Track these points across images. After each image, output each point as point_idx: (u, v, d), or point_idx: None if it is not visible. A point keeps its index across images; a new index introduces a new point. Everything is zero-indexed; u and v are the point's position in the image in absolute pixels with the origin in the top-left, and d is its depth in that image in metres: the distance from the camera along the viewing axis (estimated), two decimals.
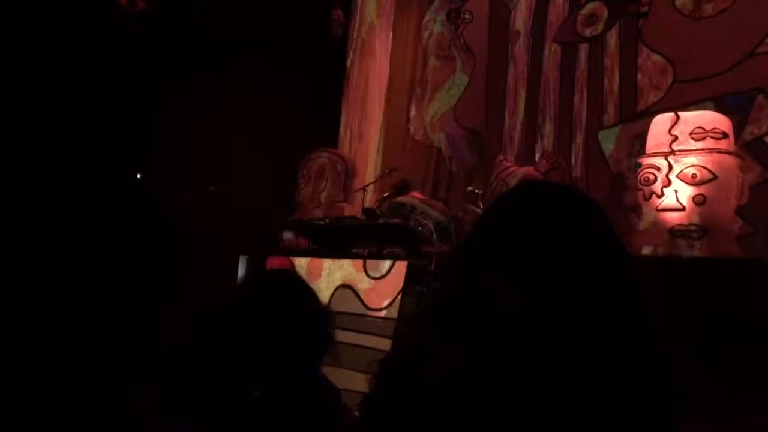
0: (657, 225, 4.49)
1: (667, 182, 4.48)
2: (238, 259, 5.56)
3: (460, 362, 0.87)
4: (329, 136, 8.07)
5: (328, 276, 4.80)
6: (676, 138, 4.54)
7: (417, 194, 5.75)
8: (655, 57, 5.89)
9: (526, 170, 6.07)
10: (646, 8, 6.02)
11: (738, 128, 4.90)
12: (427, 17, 7.88)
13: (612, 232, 0.98)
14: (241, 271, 5.46)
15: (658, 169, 4.55)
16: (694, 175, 4.38)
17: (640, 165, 4.77)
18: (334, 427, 1.50)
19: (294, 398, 1.51)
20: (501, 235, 0.98)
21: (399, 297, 4.32)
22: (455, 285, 0.99)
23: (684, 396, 0.90)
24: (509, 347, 0.86)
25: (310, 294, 1.67)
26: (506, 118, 6.89)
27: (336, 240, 5.23)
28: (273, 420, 1.46)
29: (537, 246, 0.93)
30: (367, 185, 6.69)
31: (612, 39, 6.26)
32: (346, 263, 4.78)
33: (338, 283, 4.72)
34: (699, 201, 4.35)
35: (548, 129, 6.54)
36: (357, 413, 1.04)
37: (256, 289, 1.67)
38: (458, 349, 0.88)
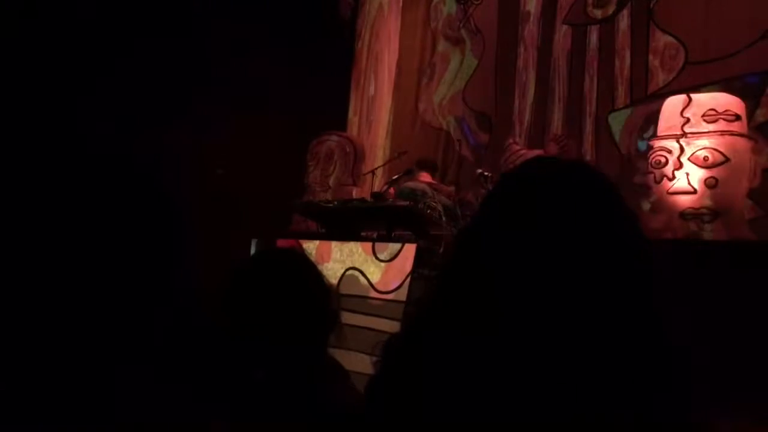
0: (668, 208, 4.46)
1: (678, 165, 4.45)
2: (249, 242, 5.57)
3: (460, 347, 0.86)
4: (338, 119, 8.05)
5: (337, 259, 4.80)
6: (687, 120, 4.50)
7: (426, 177, 5.74)
8: (667, 38, 5.82)
9: (536, 153, 6.04)
10: None
11: (750, 110, 4.85)
12: (435, 0, 7.82)
13: (625, 207, 0.96)
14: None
15: (670, 151, 4.51)
16: (705, 158, 4.35)
17: (651, 147, 4.74)
18: (341, 408, 1.49)
19: (299, 379, 1.50)
20: (508, 219, 0.95)
21: (408, 279, 4.32)
22: (458, 267, 0.98)
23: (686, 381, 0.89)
24: (509, 333, 0.85)
25: (314, 272, 1.66)
26: (516, 100, 6.85)
27: (345, 223, 5.23)
28: (277, 402, 1.45)
29: (546, 225, 0.90)
30: (376, 168, 6.68)
31: (623, 20, 6.19)
32: (355, 246, 4.78)
33: (347, 265, 4.72)
34: (711, 184, 4.32)
35: (558, 111, 6.50)
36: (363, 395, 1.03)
37: (259, 268, 1.66)
38: (459, 334, 0.87)
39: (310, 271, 1.65)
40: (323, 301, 1.63)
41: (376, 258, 4.58)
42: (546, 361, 0.82)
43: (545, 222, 0.90)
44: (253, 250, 5.51)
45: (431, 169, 5.83)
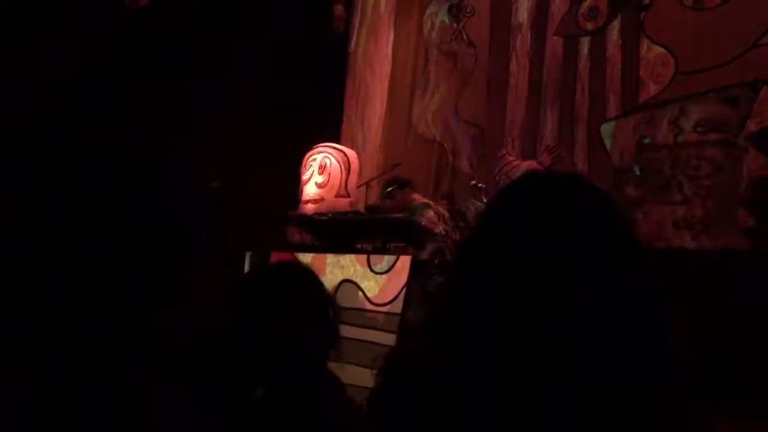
0: (661, 218, 4.48)
1: (670, 174, 4.47)
2: (243, 255, 5.56)
3: (460, 364, 0.86)
4: (331, 131, 8.05)
5: (332, 271, 4.80)
6: (679, 130, 4.53)
7: (418, 196, 5.74)
8: (657, 49, 5.86)
9: (529, 164, 6.06)
10: (647, 0, 6.00)
11: (742, 120, 4.88)
12: (428, 11, 7.86)
13: (623, 218, 0.96)
14: (246, 268, 5.44)
15: (662, 161, 4.54)
16: (697, 167, 4.38)
17: (642, 158, 4.77)
18: (338, 422, 1.49)
19: (297, 394, 1.50)
20: (507, 231, 0.96)
21: (403, 292, 4.32)
22: (458, 282, 0.98)
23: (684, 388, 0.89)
24: (512, 347, 0.85)
25: (317, 284, 1.66)
26: (508, 111, 6.88)
27: (339, 235, 5.23)
28: (276, 417, 1.45)
29: (545, 242, 0.91)
30: (370, 180, 6.68)
31: (614, 31, 6.24)
32: (350, 258, 4.78)
33: (342, 278, 4.72)
34: (702, 193, 4.35)
35: (550, 122, 6.53)
36: (363, 407, 1.03)
37: (260, 281, 1.66)
38: (458, 350, 0.87)
39: (312, 284, 1.65)
40: (324, 315, 1.63)
41: (371, 270, 4.58)
42: (551, 372, 0.83)
43: (545, 236, 0.91)
44: (247, 263, 5.49)
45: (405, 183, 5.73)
